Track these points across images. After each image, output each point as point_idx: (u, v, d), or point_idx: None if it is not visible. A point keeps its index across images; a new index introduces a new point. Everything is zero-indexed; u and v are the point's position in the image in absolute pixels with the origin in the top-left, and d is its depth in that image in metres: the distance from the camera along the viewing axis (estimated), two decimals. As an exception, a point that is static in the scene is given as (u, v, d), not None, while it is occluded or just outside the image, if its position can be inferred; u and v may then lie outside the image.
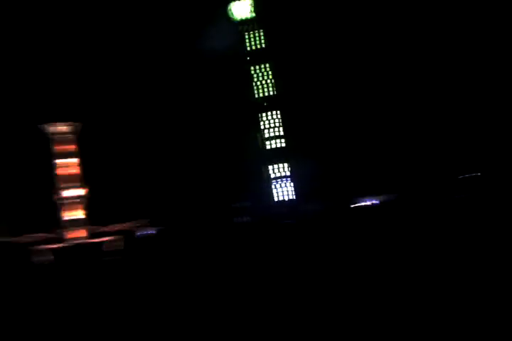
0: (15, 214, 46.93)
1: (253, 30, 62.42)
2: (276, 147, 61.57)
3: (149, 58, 58.27)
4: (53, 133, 48.21)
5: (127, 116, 56.13)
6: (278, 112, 61.84)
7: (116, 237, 46.63)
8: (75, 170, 47.41)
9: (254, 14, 62.02)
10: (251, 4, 61.59)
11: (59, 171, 47.72)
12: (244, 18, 62.31)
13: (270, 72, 62.41)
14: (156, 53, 58.38)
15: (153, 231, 50.22)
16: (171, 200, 54.93)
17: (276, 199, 60.67)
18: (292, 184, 61.09)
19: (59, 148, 47.91)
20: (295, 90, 60.96)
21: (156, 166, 56.38)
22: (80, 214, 47.03)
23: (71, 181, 47.38)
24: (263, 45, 62.39)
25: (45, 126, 48.15)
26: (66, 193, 47.45)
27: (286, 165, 61.44)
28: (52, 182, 47.71)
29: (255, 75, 62.40)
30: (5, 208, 47.46)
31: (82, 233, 46.49)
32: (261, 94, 62.40)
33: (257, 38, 62.74)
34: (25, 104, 52.27)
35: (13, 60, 52.47)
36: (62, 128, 48.06)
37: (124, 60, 56.40)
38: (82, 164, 48.37)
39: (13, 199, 48.29)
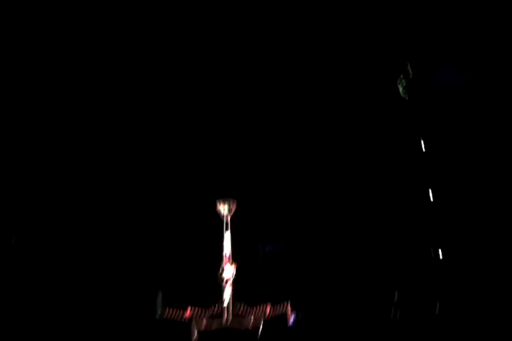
0: (175, 287, 49.66)
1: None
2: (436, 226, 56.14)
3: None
4: (221, 210, 49.92)
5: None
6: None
7: (261, 320, 45.32)
8: (230, 249, 48.56)
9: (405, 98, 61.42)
10: (403, 90, 61.17)
11: (224, 248, 48.76)
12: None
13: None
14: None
15: (296, 318, 47.32)
16: (314, 280, 52.30)
17: (435, 288, 54.31)
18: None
19: (227, 223, 49.44)
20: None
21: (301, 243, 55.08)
22: (229, 292, 47.27)
23: (227, 258, 48.21)
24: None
25: (217, 202, 49.81)
26: (225, 270, 47.77)
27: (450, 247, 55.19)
28: (214, 259, 48.65)
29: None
30: (169, 280, 50.61)
31: (230, 313, 46.72)
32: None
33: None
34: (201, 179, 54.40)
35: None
36: (225, 206, 49.91)
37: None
38: (234, 242, 48.96)
39: (177, 272, 51.26)
